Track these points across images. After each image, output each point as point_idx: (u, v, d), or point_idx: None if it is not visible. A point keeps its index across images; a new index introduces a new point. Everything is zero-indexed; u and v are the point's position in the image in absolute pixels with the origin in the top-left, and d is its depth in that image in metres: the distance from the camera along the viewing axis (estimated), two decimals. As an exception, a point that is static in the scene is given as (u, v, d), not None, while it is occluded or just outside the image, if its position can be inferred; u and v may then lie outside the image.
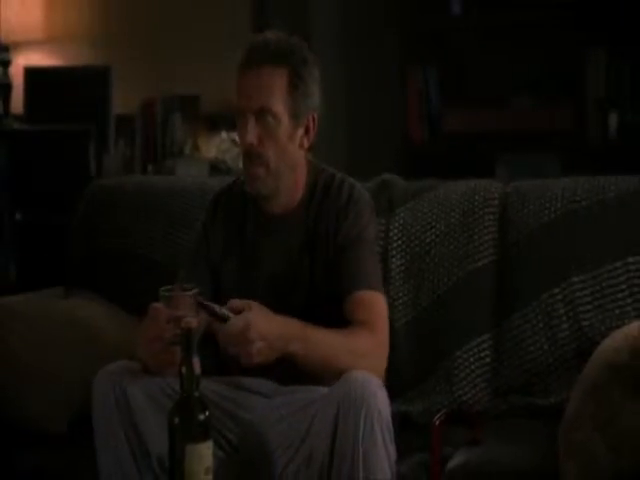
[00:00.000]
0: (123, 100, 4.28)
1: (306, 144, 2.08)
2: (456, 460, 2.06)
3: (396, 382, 2.20)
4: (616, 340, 2.05)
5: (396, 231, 2.52)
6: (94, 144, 3.98)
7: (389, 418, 1.87)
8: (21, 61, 4.54)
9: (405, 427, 2.13)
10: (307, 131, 2.07)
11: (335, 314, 2.00)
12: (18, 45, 4.56)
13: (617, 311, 2.36)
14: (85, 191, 2.86)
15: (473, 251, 2.48)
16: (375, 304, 2.03)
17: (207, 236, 2.16)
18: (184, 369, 1.67)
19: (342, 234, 2.07)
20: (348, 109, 4.28)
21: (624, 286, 2.37)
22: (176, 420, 1.67)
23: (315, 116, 2.07)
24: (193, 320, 1.69)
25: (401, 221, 2.52)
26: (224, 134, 4.31)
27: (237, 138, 2.12)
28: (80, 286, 2.67)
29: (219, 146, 4.30)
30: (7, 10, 4.50)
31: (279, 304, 1.95)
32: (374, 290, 2.04)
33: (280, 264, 2.09)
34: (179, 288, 1.89)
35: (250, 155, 2.03)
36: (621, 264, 2.38)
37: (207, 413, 1.68)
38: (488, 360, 2.40)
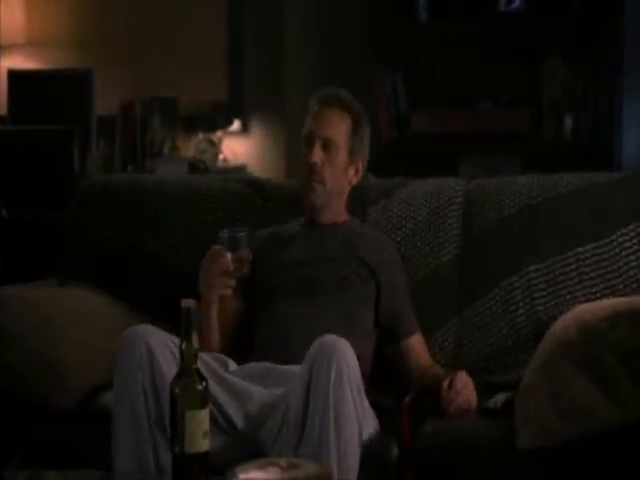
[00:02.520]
0: (103, 102, 4.31)
1: (354, 181, 2.53)
2: (423, 431, 2.19)
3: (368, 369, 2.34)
4: (566, 320, 2.21)
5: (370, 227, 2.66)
6: (78, 144, 3.99)
7: (358, 375, 2.02)
8: (3, 64, 4.58)
9: (378, 411, 2.24)
10: (356, 172, 2.51)
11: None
12: (1, 48, 4.61)
13: (568, 296, 2.49)
14: (77, 188, 2.94)
15: (438, 247, 2.62)
16: None
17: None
18: (184, 344, 1.81)
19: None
20: None
21: (574, 274, 2.51)
22: (177, 389, 1.80)
23: (364, 162, 2.53)
24: (191, 301, 1.83)
25: (373, 221, 2.66)
26: (201, 135, 4.42)
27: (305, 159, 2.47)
28: (74, 277, 2.76)
29: (197, 146, 4.40)
30: (-10, 15, 4.54)
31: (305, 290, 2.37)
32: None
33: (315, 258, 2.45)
34: (232, 231, 2.27)
35: (312, 172, 2.44)
36: (572, 254, 2.52)
37: (205, 384, 1.81)
38: (451, 347, 2.54)
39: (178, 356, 2.03)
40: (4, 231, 4.02)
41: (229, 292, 2.28)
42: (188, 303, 1.83)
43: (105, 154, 4.36)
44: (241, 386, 2.16)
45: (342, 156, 2.46)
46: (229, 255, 2.25)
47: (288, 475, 1.50)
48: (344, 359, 1.99)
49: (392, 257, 2.52)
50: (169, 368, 2.06)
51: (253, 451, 2.04)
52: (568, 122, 4.02)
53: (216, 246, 2.27)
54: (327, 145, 2.44)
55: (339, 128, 2.45)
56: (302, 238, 2.50)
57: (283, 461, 1.57)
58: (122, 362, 2.09)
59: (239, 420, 2.12)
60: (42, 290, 2.64)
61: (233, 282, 2.26)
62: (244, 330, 2.44)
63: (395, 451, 2.16)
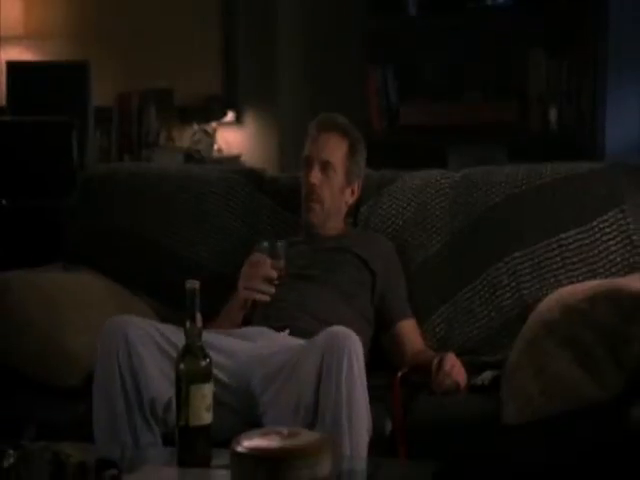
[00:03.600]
0: (100, 93, 4.37)
1: (350, 201, 2.67)
2: (415, 406, 2.28)
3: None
4: (549, 301, 2.29)
5: (362, 225, 2.76)
6: (76, 134, 4.04)
7: (364, 365, 2.12)
8: (2, 56, 4.61)
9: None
10: (353, 193, 2.66)
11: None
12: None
13: (552, 280, 2.56)
14: (81, 176, 3.02)
15: (428, 239, 2.70)
16: None
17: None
18: (188, 323, 1.89)
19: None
20: (313, 104, 4.31)
21: (558, 258, 2.58)
22: (181, 365, 1.88)
23: (360, 184, 2.67)
24: (195, 282, 1.92)
25: (365, 219, 2.76)
26: (196, 126, 4.46)
27: (302, 180, 2.62)
28: (77, 262, 2.84)
29: (192, 137, 4.43)
30: (-12, 7, 4.57)
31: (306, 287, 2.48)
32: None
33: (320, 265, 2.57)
34: (272, 241, 2.46)
35: (311, 193, 2.56)
36: (555, 240, 2.59)
37: (208, 360, 1.89)
38: (443, 332, 2.62)
39: (160, 340, 2.20)
40: (4, 220, 4.06)
41: (267, 299, 2.43)
42: (193, 284, 1.91)
43: (102, 144, 4.42)
44: (224, 342, 2.25)
45: (339, 177, 2.60)
46: (269, 263, 2.41)
47: (289, 442, 1.60)
48: (355, 352, 2.08)
49: (386, 250, 2.63)
50: (149, 353, 2.19)
51: (246, 418, 2.14)
52: (553, 114, 4.06)
53: (258, 254, 2.44)
54: (325, 167, 2.58)
55: (336, 151, 2.59)
56: (301, 243, 2.62)
57: (284, 430, 1.67)
58: (101, 350, 2.20)
59: (225, 375, 2.21)
60: (48, 274, 2.71)
61: (273, 290, 2.41)
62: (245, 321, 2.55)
63: (388, 425, 2.25)
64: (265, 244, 2.47)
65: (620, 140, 4.06)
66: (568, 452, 2.16)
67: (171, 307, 2.70)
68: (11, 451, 1.73)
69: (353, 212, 2.76)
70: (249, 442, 1.59)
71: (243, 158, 4.49)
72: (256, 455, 1.56)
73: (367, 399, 2.13)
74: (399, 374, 2.35)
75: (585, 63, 4.01)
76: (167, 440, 2.18)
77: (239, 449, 1.57)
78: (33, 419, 2.04)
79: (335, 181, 2.60)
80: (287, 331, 2.40)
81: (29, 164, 4.08)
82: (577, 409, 2.16)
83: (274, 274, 2.43)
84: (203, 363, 1.89)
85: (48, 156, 4.08)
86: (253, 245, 2.63)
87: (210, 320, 2.35)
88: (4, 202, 4.09)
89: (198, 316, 1.91)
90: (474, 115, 4.16)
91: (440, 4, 4.13)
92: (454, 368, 2.30)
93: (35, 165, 4.07)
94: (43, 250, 3.15)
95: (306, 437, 1.64)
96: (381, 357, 2.52)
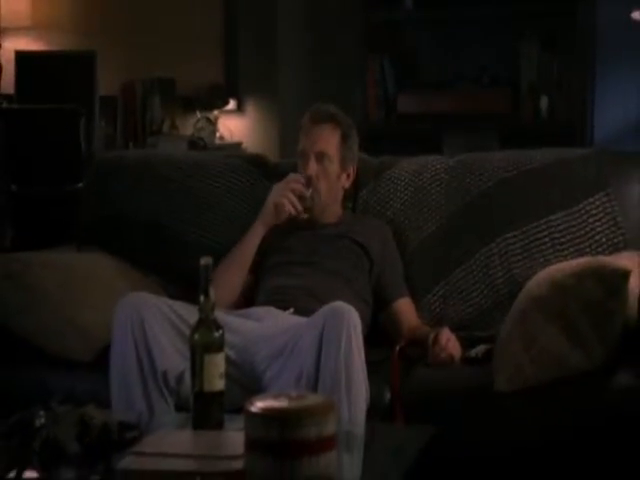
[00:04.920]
0: (106, 83, 4.46)
1: (347, 185, 2.76)
2: (412, 377, 2.38)
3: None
4: (538, 278, 2.38)
5: (361, 209, 2.86)
6: (84, 122, 4.13)
7: (362, 338, 2.22)
8: (9, 46, 4.70)
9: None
10: (348, 176, 2.75)
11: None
12: (7, 31, 4.74)
13: (541, 260, 2.64)
14: (93, 162, 3.10)
15: (424, 221, 2.78)
16: None
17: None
18: (202, 297, 1.98)
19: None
20: (314, 94, 4.40)
21: (547, 239, 2.66)
22: (196, 336, 1.98)
23: (354, 167, 2.76)
24: (209, 259, 2.00)
25: (364, 203, 2.85)
26: (198, 114, 4.57)
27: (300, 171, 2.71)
28: (89, 244, 2.92)
29: (195, 125, 4.54)
30: (-3, -1, 4.66)
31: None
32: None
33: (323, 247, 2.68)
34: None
35: (309, 184, 2.62)
36: (544, 221, 2.67)
37: (220, 332, 1.98)
38: (438, 309, 2.71)
39: (171, 316, 2.31)
40: (15, 204, 4.15)
41: (294, 212, 2.60)
42: (206, 260, 2.00)
43: (107, 132, 4.51)
44: (231, 321, 2.35)
45: (335, 165, 2.69)
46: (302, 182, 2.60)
47: (297, 403, 1.72)
48: (353, 326, 2.18)
49: (382, 234, 2.73)
50: (161, 328, 2.29)
51: (252, 392, 2.20)
52: (544, 103, 4.16)
53: (293, 173, 2.64)
54: (321, 157, 2.67)
55: (330, 141, 2.68)
56: (301, 230, 2.72)
57: (293, 393, 1.80)
58: (116, 325, 2.31)
59: (232, 351, 2.30)
60: (64, 254, 2.81)
61: (301, 207, 2.59)
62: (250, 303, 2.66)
63: (387, 396, 2.35)
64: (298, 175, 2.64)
65: (607, 128, 4.16)
66: (555, 417, 2.27)
67: (177, 286, 2.78)
68: (42, 412, 1.86)
69: (353, 196, 2.85)
70: (262, 403, 1.71)
71: (244, 145, 4.58)
72: (268, 414, 1.68)
73: (365, 370, 2.22)
74: (397, 347, 2.45)
75: (575, 55, 4.10)
76: (179, 410, 2.27)
77: (253, 409, 1.69)
78: (55, 388, 2.14)
79: (331, 169, 2.69)
80: (291, 310, 2.51)
81: (38, 151, 4.16)
82: (564, 378, 2.26)
83: (306, 193, 2.60)
84: (216, 334, 1.98)
85: (56, 143, 4.16)
86: None
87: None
88: (14, 188, 4.16)
89: (211, 290, 2.00)
90: (468, 104, 4.25)
91: (436, -2, 4.18)
92: (449, 342, 2.39)
93: (43, 152, 4.15)
94: (52, 233, 3.25)
95: (312, 399, 1.76)
96: (380, 336, 2.60)
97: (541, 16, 4.17)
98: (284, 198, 2.61)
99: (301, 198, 2.62)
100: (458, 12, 4.22)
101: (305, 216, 2.64)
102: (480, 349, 2.46)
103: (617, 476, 2.24)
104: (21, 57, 4.58)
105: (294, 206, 2.61)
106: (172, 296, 2.64)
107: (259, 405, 1.70)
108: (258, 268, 2.69)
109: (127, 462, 1.78)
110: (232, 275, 2.61)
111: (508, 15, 4.18)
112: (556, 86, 4.19)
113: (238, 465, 1.72)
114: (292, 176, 2.66)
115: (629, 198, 2.69)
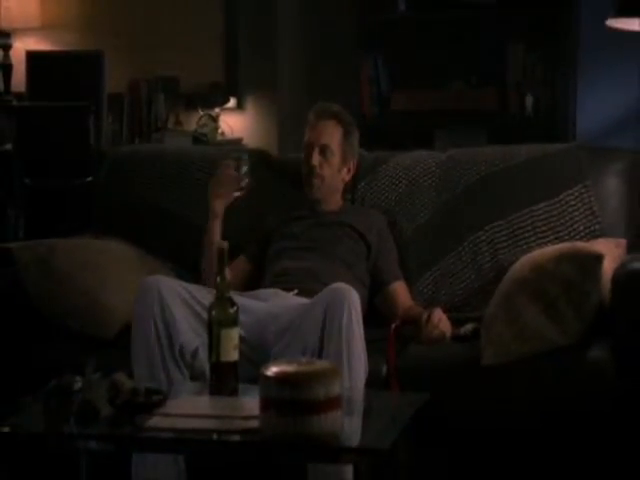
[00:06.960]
0: (113, 81, 4.55)
1: (347, 179, 2.94)
2: (407, 352, 2.54)
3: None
4: (522, 262, 2.55)
5: (359, 200, 3.00)
6: (92, 119, 4.23)
7: (361, 316, 2.41)
8: (20, 45, 4.79)
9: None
10: (349, 171, 2.92)
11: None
12: (18, 31, 4.81)
13: (525, 246, 2.76)
14: (107, 156, 3.23)
15: (416, 212, 2.91)
16: None
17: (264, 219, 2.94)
18: (219, 277, 2.18)
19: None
20: (310, 92, 4.55)
21: (530, 228, 2.79)
22: (213, 312, 2.17)
23: (355, 162, 2.93)
24: (224, 242, 2.23)
25: (362, 195, 3.00)
26: (201, 111, 4.66)
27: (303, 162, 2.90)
28: (105, 233, 3.05)
29: (198, 121, 4.63)
30: (8, 0, 4.77)
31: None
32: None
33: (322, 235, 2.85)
34: (235, 156, 2.84)
35: (312, 173, 2.86)
36: (527, 211, 2.80)
37: (235, 308, 2.17)
38: (430, 293, 2.84)
39: (187, 297, 2.49)
40: (28, 197, 4.25)
41: (232, 198, 2.80)
42: (222, 244, 2.21)
43: (114, 128, 4.62)
44: (241, 301, 2.43)
45: (337, 159, 2.87)
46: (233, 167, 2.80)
47: (307, 367, 1.94)
48: (354, 304, 2.37)
49: (379, 222, 2.91)
50: (178, 308, 2.48)
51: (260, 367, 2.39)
52: (529, 100, 4.27)
53: (226, 162, 2.81)
54: (324, 150, 2.85)
55: (333, 136, 2.87)
56: (304, 218, 2.91)
57: (303, 360, 2.02)
58: (138, 304, 2.49)
59: (242, 329, 2.38)
60: (86, 240, 2.96)
61: (238, 193, 2.79)
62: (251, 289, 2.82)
63: (384, 369, 2.51)
64: (233, 157, 2.83)
65: (590, 124, 4.26)
66: (536, 387, 2.43)
67: (190, 271, 2.92)
68: (78, 378, 2.07)
69: (351, 189, 3.02)
70: (276, 368, 1.93)
71: (244, 141, 4.66)
72: (281, 377, 1.89)
73: (364, 344, 2.41)
74: (393, 325, 2.62)
75: (559, 55, 4.22)
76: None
77: (268, 373, 1.91)
78: (67, 367, 2.24)
79: (333, 161, 2.86)
80: (296, 291, 2.69)
81: (49, 146, 4.24)
82: (544, 352, 2.42)
83: (240, 180, 2.79)
84: (231, 311, 2.17)
85: (66, 139, 4.24)
86: (259, 218, 2.93)
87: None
88: (27, 182, 4.26)
89: (227, 271, 2.20)
90: (458, 102, 4.35)
91: (427, 1, 4.28)
92: (441, 321, 2.56)
93: (55, 147, 4.24)
94: (65, 224, 3.39)
95: (320, 364, 1.98)
96: (376, 318, 2.73)
97: (527, 17, 4.26)
98: (221, 199, 2.81)
99: (235, 179, 2.80)
100: (448, 15, 4.31)
101: (238, 194, 2.82)
102: (468, 327, 2.61)
103: (593, 439, 2.42)
104: (32, 57, 4.66)
105: (235, 191, 2.80)
106: (184, 279, 2.76)
107: (273, 369, 1.92)
108: (258, 258, 2.89)
109: (154, 421, 2.00)
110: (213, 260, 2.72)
111: (495, 18, 4.27)
112: (541, 85, 4.29)
113: (253, 424, 1.94)
114: (223, 163, 2.83)
115: (605, 190, 2.81)
